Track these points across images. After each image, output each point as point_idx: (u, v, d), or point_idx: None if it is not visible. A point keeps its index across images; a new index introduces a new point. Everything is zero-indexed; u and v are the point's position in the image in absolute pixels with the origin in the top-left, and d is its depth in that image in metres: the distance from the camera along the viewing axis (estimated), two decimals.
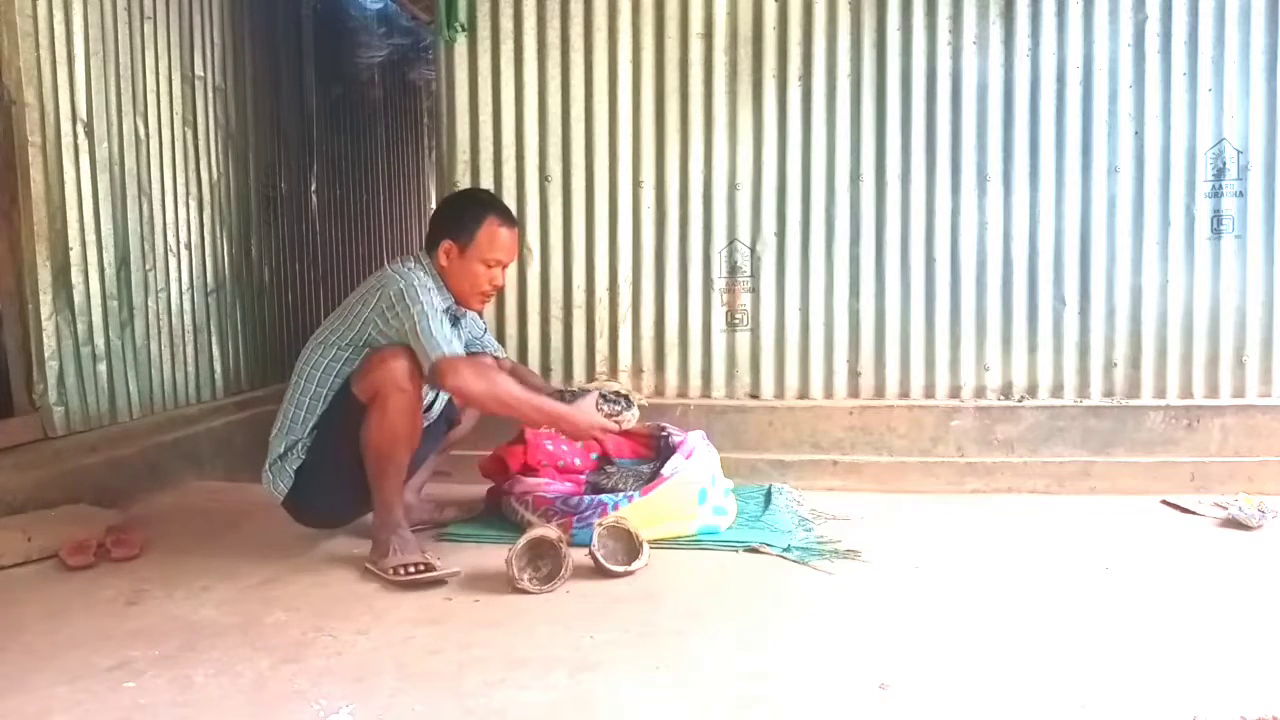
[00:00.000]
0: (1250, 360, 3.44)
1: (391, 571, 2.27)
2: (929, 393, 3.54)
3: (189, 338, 3.70)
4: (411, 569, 2.25)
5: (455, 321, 2.54)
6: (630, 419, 2.51)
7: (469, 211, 2.53)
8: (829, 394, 3.57)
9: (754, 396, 3.60)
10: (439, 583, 2.24)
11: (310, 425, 2.44)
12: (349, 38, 5.64)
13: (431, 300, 2.36)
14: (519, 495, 2.71)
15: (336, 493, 2.47)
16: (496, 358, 2.77)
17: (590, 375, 3.65)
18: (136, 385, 3.36)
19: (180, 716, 1.63)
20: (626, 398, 2.55)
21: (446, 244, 2.47)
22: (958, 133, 3.49)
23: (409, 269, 2.44)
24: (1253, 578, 2.37)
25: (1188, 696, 1.65)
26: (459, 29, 3.55)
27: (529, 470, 2.88)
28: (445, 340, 2.31)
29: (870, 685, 1.72)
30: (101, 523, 2.61)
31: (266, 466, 2.48)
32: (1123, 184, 3.45)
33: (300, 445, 2.44)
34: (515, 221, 2.61)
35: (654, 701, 1.67)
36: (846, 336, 3.56)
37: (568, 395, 2.54)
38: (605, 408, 2.49)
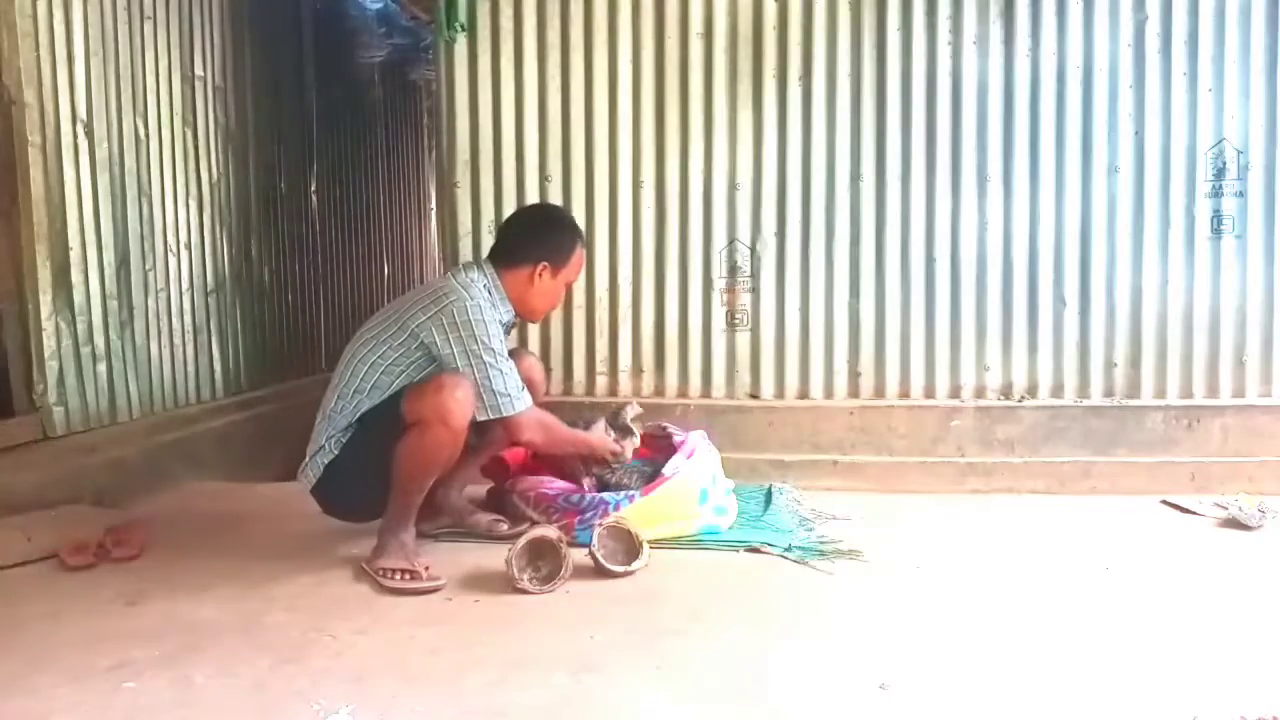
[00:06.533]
0: (1250, 360, 3.44)
1: (380, 573, 2.28)
2: (929, 393, 3.54)
3: (189, 338, 3.70)
4: (398, 575, 2.26)
5: (507, 331, 2.61)
6: (629, 447, 2.76)
7: (568, 236, 2.65)
8: (829, 394, 3.57)
9: (754, 396, 3.60)
10: (423, 592, 2.23)
11: (351, 418, 2.41)
12: (349, 38, 5.64)
13: (491, 331, 2.39)
14: (520, 493, 2.72)
15: (364, 493, 2.43)
16: None
17: (590, 374, 3.65)
18: (136, 385, 3.36)
19: (180, 716, 1.63)
20: (629, 427, 2.78)
21: (542, 265, 2.54)
22: (958, 133, 3.49)
23: (471, 280, 2.46)
24: (1253, 578, 2.37)
25: (1187, 696, 1.65)
26: (459, 29, 3.55)
27: (529, 469, 2.88)
28: (517, 391, 2.41)
29: (870, 685, 1.72)
30: (101, 523, 2.61)
31: (309, 456, 2.45)
32: (1123, 184, 3.45)
33: (335, 440, 2.41)
34: None
35: (654, 701, 1.67)
36: (846, 337, 3.56)
37: (581, 425, 2.77)
38: (613, 435, 2.75)
